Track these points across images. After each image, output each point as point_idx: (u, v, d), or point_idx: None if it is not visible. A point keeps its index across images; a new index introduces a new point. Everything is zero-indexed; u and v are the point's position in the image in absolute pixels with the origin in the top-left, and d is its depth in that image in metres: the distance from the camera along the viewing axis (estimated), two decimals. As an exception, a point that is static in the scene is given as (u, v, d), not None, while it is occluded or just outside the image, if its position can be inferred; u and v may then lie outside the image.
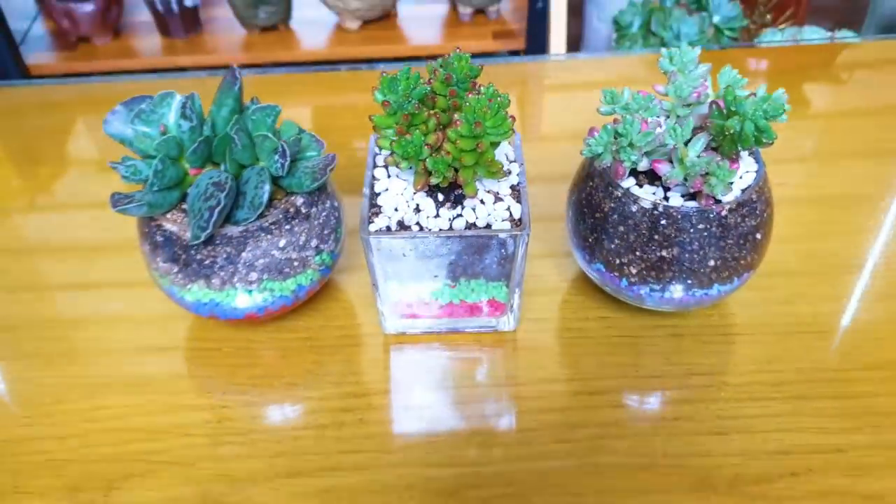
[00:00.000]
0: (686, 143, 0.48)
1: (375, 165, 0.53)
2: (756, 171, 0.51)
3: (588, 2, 1.71)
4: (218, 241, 0.48)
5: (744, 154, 0.52)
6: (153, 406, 0.53)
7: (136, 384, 0.55)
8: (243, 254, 0.49)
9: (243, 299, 0.51)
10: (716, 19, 1.43)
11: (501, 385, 0.54)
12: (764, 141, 0.46)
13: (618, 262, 0.52)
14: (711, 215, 0.48)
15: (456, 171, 0.48)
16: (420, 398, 0.54)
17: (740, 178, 0.50)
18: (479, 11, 1.54)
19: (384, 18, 1.54)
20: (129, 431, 0.52)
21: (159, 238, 0.49)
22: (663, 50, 0.51)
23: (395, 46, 1.50)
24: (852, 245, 0.64)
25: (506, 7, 1.56)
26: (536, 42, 1.47)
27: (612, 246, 0.51)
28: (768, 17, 1.47)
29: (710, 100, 0.50)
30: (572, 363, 0.55)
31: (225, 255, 0.49)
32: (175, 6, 1.44)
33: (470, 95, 0.46)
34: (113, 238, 0.66)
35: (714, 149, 0.49)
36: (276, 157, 0.48)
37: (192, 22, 1.50)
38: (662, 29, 1.39)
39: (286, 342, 0.57)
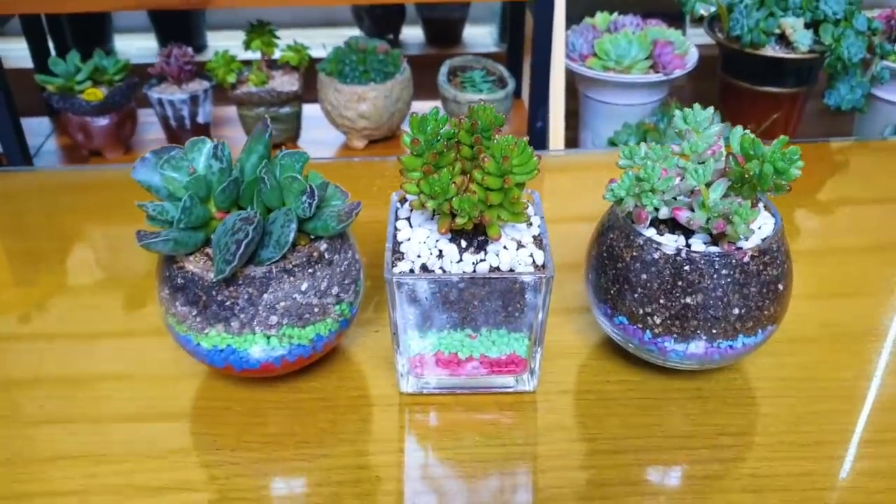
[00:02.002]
0: (707, 186, 0.49)
1: (398, 218, 0.54)
2: (773, 223, 0.52)
3: (583, 128, 1.79)
4: (240, 282, 0.48)
5: (759, 207, 0.52)
6: (158, 463, 0.51)
7: (141, 440, 0.52)
8: (265, 295, 0.48)
9: (260, 347, 0.50)
10: (708, 140, 1.48)
11: (522, 444, 0.52)
12: (783, 184, 0.47)
13: (641, 312, 0.51)
14: (734, 260, 0.48)
15: (481, 212, 0.48)
16: (438, 458, 0.51)
17: (759, 228, 0.51)
18: (480, 133, 1.61)
19: (389, 138, 1.60)
20: (132, 488, 0.49)
21: (180, 280, 0.49)
22: (677, 111, 0.53)
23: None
24: (865, 312, 0.63)
25: (506, 130, 1.63)
26: (536, 161, 1.53)
27: (635, 296, 0.51)
28: (757, 140, 1.54)
29: (724, 156, 0.51)
30: (595, 424, 0.54)
31: (246, 297, 0.48)
32: (188, 122, 1.50)
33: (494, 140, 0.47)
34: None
35: (733, 198, 0.50)
36: (304, 197, 0.48)
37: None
38: (657, 148, 1.45)
39: (299, 402, 0.55)
